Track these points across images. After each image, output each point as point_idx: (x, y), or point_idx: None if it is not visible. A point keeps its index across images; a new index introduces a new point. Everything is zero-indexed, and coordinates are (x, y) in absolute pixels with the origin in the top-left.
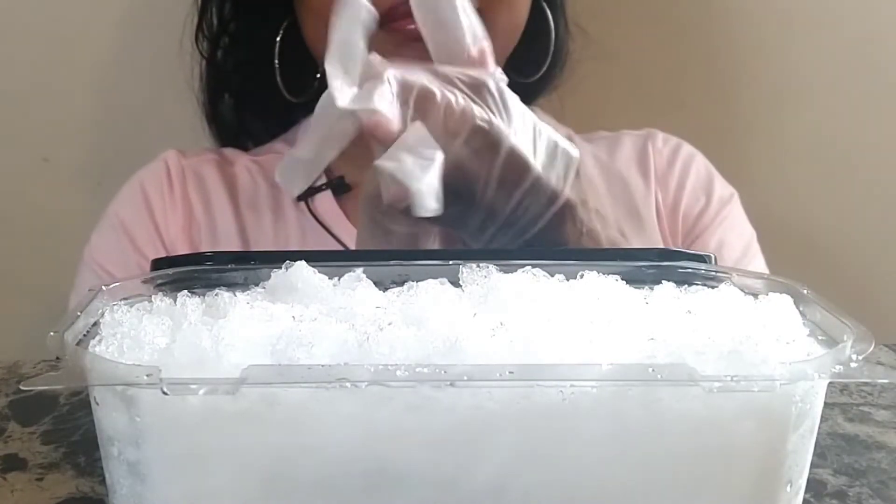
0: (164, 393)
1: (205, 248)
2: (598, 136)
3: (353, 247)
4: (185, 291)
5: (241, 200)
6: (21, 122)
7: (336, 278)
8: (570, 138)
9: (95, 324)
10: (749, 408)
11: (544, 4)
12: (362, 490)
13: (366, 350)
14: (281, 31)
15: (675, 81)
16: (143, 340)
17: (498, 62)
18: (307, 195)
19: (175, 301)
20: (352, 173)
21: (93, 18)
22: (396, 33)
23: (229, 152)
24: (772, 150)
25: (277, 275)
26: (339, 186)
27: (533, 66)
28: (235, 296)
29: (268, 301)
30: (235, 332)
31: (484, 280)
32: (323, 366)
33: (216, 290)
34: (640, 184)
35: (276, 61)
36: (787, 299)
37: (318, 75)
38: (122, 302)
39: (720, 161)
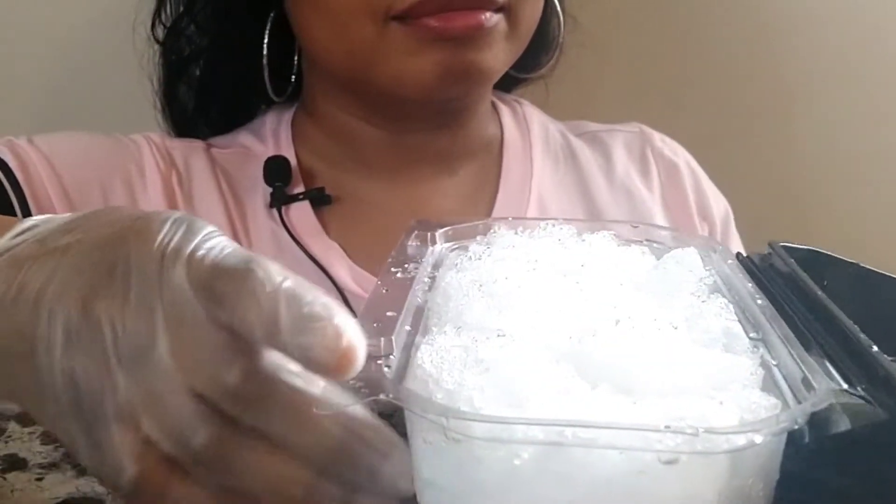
0: None
1: None
2: (585, 129)
3: (325, 263)
4: None
5: (227, 198)
6: None
7: None
8: (563, 133)
9: None
10: None
11: None
12: None
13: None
14: (269, 25)
15: (663, 72)
16: None
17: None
18: (282, 203)
19: None
20: (333, 185)
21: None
22: (419, 29)
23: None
24: (768, 145)
25: None
26: (317, 198)
27: (532, 59)
28: None
29: None
30: None
31: None
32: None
33: None
34: (646, 196)
35: (266, 55)
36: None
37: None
38: None
39: (712, 157)
